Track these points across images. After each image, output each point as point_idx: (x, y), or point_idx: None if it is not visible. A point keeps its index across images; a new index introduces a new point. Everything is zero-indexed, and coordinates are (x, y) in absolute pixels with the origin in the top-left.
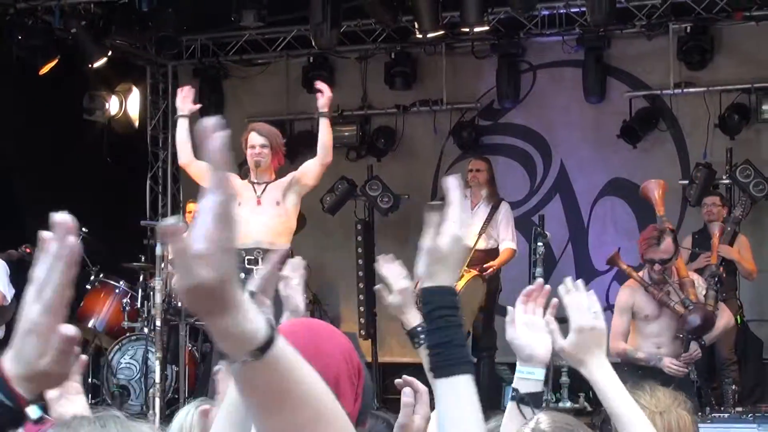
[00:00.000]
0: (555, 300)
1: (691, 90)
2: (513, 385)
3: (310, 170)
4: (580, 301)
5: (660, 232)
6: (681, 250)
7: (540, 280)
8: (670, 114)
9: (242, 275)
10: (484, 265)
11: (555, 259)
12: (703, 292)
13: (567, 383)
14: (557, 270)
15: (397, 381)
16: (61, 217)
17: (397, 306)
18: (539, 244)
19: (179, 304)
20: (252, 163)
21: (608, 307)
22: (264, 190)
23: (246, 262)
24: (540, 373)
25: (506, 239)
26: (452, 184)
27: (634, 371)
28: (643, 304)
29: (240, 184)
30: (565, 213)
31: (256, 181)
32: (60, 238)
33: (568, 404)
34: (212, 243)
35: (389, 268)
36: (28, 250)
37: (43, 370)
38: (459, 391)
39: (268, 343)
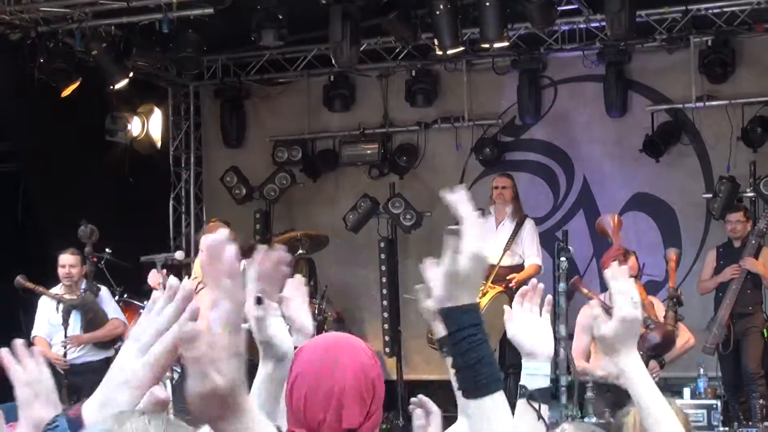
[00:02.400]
0: (549, 297)
1: (714, 103)
2: (521, 382)
3: None
4: (625, 288)
5: (625, 251)
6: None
7: (534, 280)
8: (693, 127)
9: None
10: (508, 277)
11: (579, 274)
12: (662, 314)
13: (592, 399)
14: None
15: (412, 400)
16: (181, 283)
17: (432, 312)
18: (562, 259)
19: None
20: None
21: None
22: None
23: None
24: (545, 368)
25: (531, 255)
26: (455, 198)
27: (601, 390)
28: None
29: None
30: (588, 228)
31: None
32: (180, 303)
33: (594, 420)
34: (224, 350)
35: (433, 272)
36: (94, 259)
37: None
38: (489, 411)
39: None
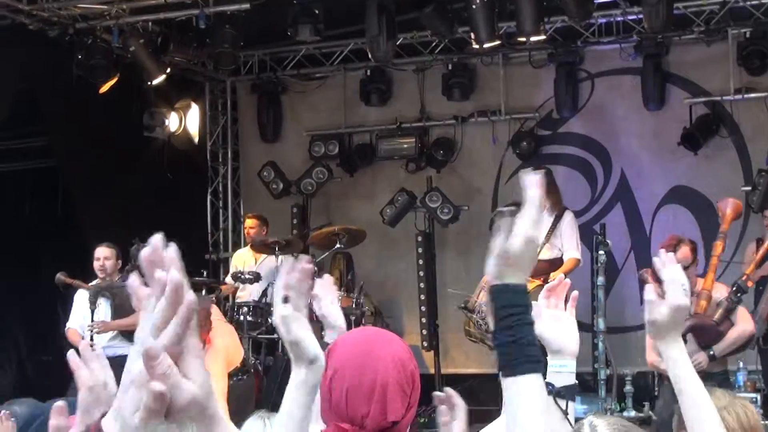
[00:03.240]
0: (575, 293)
1: (752, 95)
2: (547, 380)
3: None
4: (677, 275)
5: (678, 240)
6: (707, 261)
7: (561, 275)
8: (731, 120)
9: None
10: (551, 274)
11: (617, 268)
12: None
13: (631, 392)
14: (619, 279)
15: (436, 393)
16: (174, 276)
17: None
18: (600, 252)
19: (241, 318)
20: None
21: None
22: None
23: None
24: (572, 365)
25: (570, 249)
26: (530, 181)
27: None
28: None
29: None
30: (626, 222)
31: None
32: (173, 297)
33: (633, 413)
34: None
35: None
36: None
37: (134, 427)
38: (525, 390)
39: None
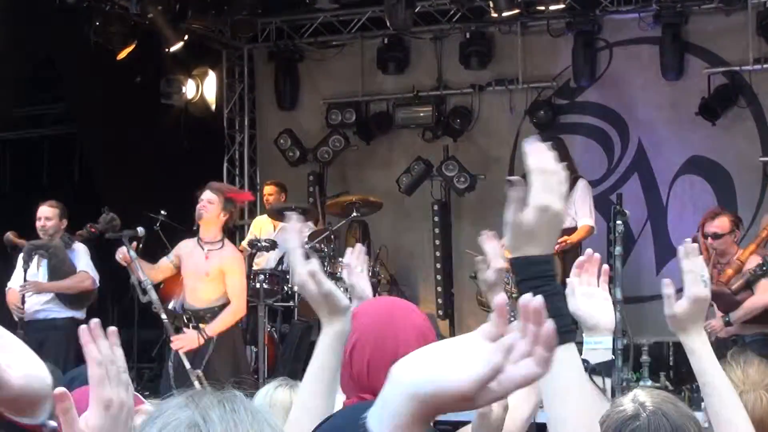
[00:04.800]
0: (606, 267)
1: None
2: (582, 356)
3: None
4: (697, 267)
5: (721, 209)
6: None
7: (589, 250)
8: (750, 90)
9: None
10: (558, 240)
11: (634, 238)
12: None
13: (648, 362)
14: (636, 249)
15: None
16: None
17: (489, 283)
18: (618, 222)
19: (257, 285)
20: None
21: None
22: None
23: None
24: (608, 342)
25: (584, 216)
26: (531, 148)
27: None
28: None
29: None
30: (643, 192)
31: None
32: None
33: (649, 383)
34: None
35: (491, 245)
36: (92, 230)
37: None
38: (562, 362)
39: None
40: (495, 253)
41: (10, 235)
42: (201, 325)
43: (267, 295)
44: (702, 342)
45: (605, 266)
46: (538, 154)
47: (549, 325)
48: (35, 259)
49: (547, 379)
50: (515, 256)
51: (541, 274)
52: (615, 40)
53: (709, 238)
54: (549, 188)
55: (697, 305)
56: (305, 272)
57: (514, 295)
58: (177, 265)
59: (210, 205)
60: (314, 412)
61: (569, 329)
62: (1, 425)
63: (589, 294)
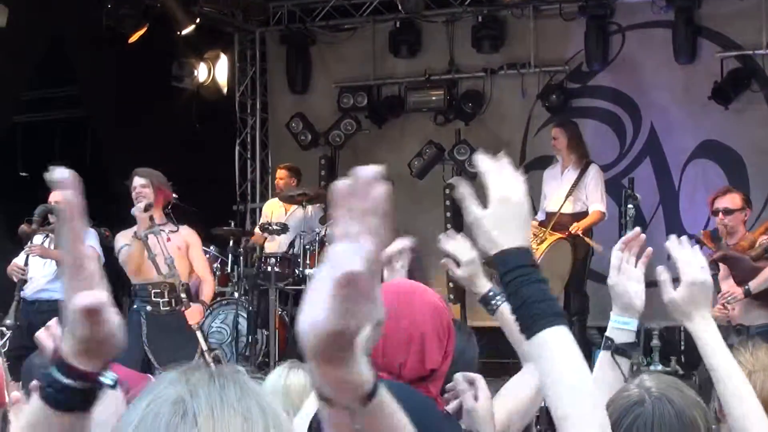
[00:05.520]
0: (649, 249)
1: None
2: (607, 334)
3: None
4: (690, 255)
5: (732, 187)
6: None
7: (638, 229)
8: (763, 74)
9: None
10: (571, 227)
11: (645, 222)
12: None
13: (658, 346)
14: (648, 233)
15: (448, 386)
16: (60, 173)
17: (465, 277)
18: (630, 206)
19: (269, 269)
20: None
21: None
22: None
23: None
24: (634, 324)
25: (595, 201)
26: (479, 161)
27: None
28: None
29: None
30: (655, 176)
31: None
32: (67, 212)
33: (659, 367)
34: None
35: (453, 244)
36: (107, 234)
37: (84, 339)
38: (549, 345)
39: (374, 392)
40: (460, 248)
41: (24, 227)
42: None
43: (278, 279)
44: (707, 327)
45: (649, 249)
46: (484, 160)
47: (377, 188)
48: (44, 240)
49: (540, 367)
50: (494, 253)
51: (520, 263)
52: (628, 23)
53: (720, 213)
54: (504, 182)
55: (696, 289)
56: None
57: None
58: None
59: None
60: None
61: (554, 312)
62: (65, 372)
63: (627, 273)
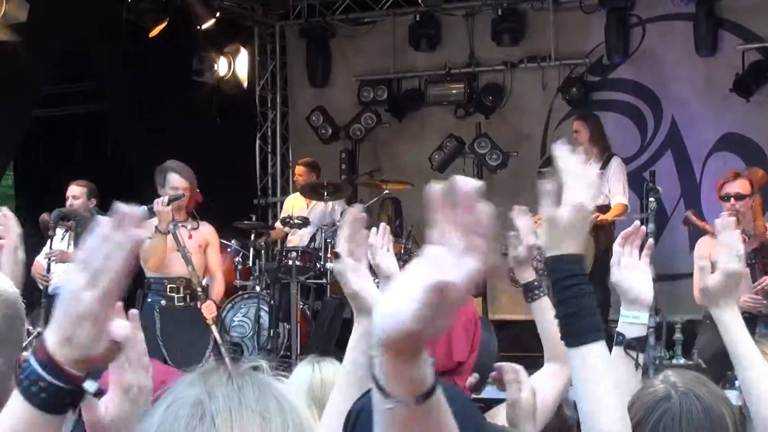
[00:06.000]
0: (651, 241)
1: None
2: (618, 329)
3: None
4: (731, 240)
5: (738, 173)
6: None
7: (637, 222)
8: None
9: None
10: (592, 217)
11: (667, 215)
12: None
13: (681, 340)
14: (669, 226)
15: (492, 374)
16: (129, 209)
17: (520, 259)
18: (651, 199)
19: (290, 263)
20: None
21: None
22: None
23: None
24: (644, 317)
25: (617, 194)
26: (558, 152)
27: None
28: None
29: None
30: (676, 169)
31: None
32: (125, 228)
33: (682, 361)
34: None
35: (524, 221)
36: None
37: (97, 354)
38: (591, 358)
39: (432, 390)
40: (527, 229)
41: (45, 216)
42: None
43: (299, 273)
44: (733, 315)
45: (650, 240)
46: (568, 157)
47: (483, 208)
48: (62, 232)
49: (580, 377)
50: (551, 255)
51: (576, 272)
52: (648, 16)
53: (732, 199)
54: (581, 189)
55: (731, 279)
56: (334, 272)
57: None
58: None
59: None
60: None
61: (600, 328)
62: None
63: (631, 266)
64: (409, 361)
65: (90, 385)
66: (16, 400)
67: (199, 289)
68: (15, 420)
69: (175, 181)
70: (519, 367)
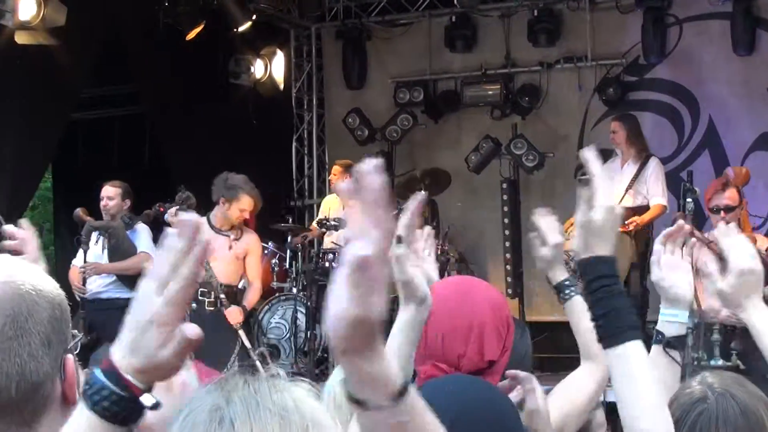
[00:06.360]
0: (693, 240)
1: None
2: (657, 327)
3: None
4: (739, 243)
5: (726, 182)
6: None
7: (681, 221)
8: None
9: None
10: (628, 221)
11: (705, 216)
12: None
13: (719, 341)
14: (706, 227)
15: (502, 383)
16: (192, 218)
17: (547, 259)
18: (689, 200)
19: (326, 264)
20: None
21: None
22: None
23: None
24: (684, 316)
25: (656, 195)
26: (588, 156)
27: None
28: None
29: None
30: (714, 169)
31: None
32: (191, 237)
33: (720, 362)
34: (383, 279)
35: (546, 221)
36: (161, 209)
37: (160, 362)
38: (628, 358)
39: (404, 389)
40: (551, 228)
41: (79, 211)
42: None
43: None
44: (761, 316)
45: (693, 239)
46: (598, 162)
47: (373, 178)
48: (98, 239)
49: (620, 376)
50: (585, 257)
51: (608, 273)
52: (685, 15)
53: (722, 212)
54: (611, 193)
55: (746, 278)
56: (393, 255)
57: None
58: None
59: None
60: None
61: (636, 326)
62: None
63: (673, 265)
64: (368, 356)
65: (147, 399)
66: (80, 410)
67: (222, 295)
68: (79, 430)
69: (247, 204)
70: (529, 375)
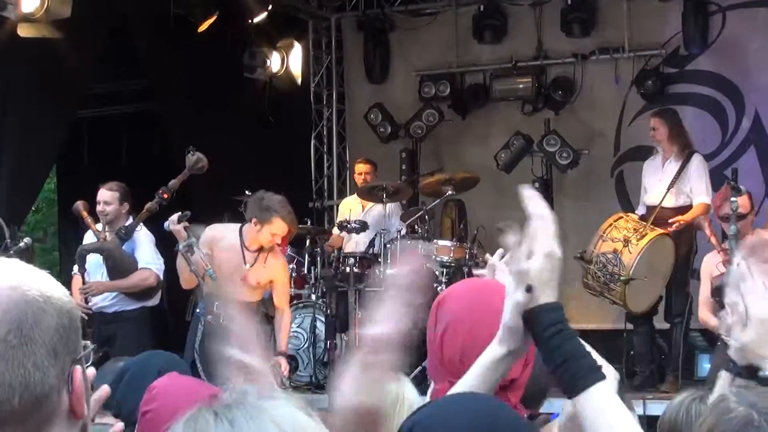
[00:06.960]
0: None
1: None
2: (731, 353)
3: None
4: (758, 286)
5: (733, 187)
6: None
7: (766, 234)
8: None
9: None
10: (670, 221)
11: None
12: None
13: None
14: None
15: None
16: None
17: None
18: (733, 199)
19: (347, 270)
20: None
21: None
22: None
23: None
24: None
25: (700, 193)
26: (527, 195)
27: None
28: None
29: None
30: (760, 166)
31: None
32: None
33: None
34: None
35: (513, 242)
36: (165, 195)
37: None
38: (596, 403)
39: None
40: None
41: (79, 205)
42: None
43: (357, 280)
44: None
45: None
46: (536, 200)
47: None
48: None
49: (588, 424)
50: (532, 308)
51: (558, 320)
52: (728, 3)
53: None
54: (550, 234)
55: (766, 327)
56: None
57: (603, 279)
58: None
59: None
60: None
61: (594, 367)
62: None
63: (750, 288)
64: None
65: None
66: None
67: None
68: None
69: (280, 230)
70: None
